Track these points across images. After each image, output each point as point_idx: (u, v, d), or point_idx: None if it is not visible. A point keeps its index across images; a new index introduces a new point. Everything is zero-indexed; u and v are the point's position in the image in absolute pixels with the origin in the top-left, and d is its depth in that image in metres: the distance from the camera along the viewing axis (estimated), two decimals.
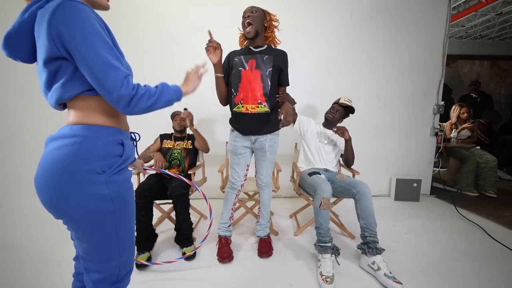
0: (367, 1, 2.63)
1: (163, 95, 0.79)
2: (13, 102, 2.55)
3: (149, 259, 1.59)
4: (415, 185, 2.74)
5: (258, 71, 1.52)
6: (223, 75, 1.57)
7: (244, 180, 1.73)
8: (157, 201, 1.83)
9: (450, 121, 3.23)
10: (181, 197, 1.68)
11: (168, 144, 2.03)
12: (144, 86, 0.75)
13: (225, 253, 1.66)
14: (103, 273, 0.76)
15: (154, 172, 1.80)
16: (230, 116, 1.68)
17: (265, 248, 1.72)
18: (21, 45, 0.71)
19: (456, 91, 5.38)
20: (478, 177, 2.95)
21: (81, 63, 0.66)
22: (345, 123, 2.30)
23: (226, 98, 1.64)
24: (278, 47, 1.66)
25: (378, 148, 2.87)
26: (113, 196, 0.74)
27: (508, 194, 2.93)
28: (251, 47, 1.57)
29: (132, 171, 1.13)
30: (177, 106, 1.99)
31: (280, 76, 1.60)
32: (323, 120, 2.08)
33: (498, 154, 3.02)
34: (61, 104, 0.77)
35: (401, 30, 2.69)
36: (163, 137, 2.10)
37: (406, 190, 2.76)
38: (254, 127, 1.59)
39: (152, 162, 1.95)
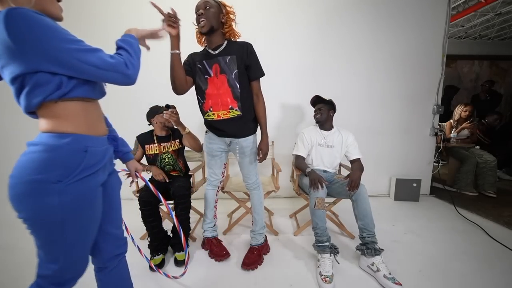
0: (367, 1, 2.63)
1: (133, 46, 0.85)
2: (12, 101, 2.55)
3: (163, 261, 1.60)
4: (414, 185, 2.74)
5: (224, 75, 1.41)
6: (180, 52, 1.34)
7: (222, 177, 1.75)
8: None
9: (450, 120, 3.23)
10: (183, 198, 1.67)
11: (152, 149, 1.78)
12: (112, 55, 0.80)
13: (220, 252, 1.66)
14: (48, 271, 0.78)
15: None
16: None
17: (250, 259, 1.58)
18: None
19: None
20: (477, 177, 2.95)
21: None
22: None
23: (183, 84, 1.42)
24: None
25: (378, 148, 2.87)
26: (65, 207, 0.73)
27: (507, 194, 2.93)
28: (209, 50, 1.43)
29: (121, 172, 1.10)
30: (157, 101, 1.92)
31: (248, 72, 1.46)
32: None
33: (497, 154, 3.01)
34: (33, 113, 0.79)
35: (400, 30, 2.69)
36: (143, 140, 1.79)
37: (405, 190, 2.77)
38: (228, 132, 1.52)
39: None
